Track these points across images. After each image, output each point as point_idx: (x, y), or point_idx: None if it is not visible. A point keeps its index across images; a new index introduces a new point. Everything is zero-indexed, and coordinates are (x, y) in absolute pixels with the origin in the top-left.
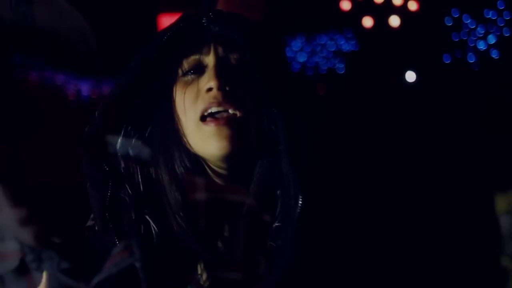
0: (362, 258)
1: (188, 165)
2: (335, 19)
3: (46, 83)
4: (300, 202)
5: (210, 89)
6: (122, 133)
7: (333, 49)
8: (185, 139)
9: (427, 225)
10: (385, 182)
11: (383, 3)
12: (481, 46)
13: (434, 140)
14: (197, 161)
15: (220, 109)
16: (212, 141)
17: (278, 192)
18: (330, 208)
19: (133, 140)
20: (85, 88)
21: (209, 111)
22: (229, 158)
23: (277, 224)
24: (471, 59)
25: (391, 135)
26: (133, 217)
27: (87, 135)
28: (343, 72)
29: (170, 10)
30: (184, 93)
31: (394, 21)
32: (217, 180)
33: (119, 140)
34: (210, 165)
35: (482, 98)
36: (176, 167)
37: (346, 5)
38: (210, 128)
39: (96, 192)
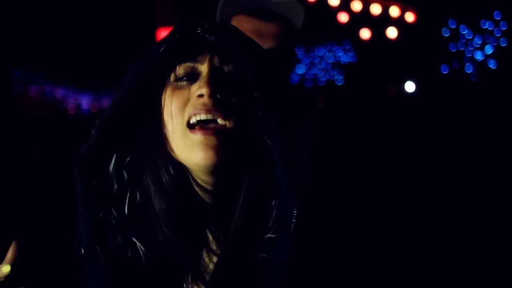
0: (358, 267)
1: (172, 173)
2: (333, 31)
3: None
4: (295, 213)
5: (201, 96)
6: (116, 153)
7: (331, 61)
8: (170, 147)
9: (428, 237)
10: (382, 191)
11: (380, 15)
12: (479, 56)
13: (434, 148)
14: (181, 171)
15: (209, 117)
16: (197, 150)
17: (273, 202)
18: (326, 218)
19: (126, 160)
20: (84, 102)
21: (198, 117)
22: (214, 170)
23: (270, 235)
24: (469, 69)
25: (390, 143)
26: (120, 240)
27: (82, 155)
28: (341, 83)
29: (168, 24)
30: (174, 97)
31: (392, 32)
32: (201, 191)
33: (113, 161)
34: (195, 176)
35: (480, 107)
36: (161, 175)
37: (343, 17)
38: (197, 137)
39: (86, 214)
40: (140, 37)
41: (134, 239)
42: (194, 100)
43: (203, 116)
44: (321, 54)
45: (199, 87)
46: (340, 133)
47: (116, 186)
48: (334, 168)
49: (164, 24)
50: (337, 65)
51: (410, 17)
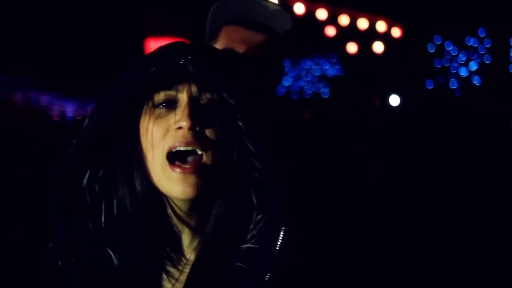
0: (342, 281)
1: (148, 190)
2: (320, 45)
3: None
4: (283, 229)
5: (180, 128)
6: (90, 169)
7: (318, 74)
8: (150, 174)
9: (412, 250)
10: (370, 206)
11: (367, 29)
12: (463, 72)
13: (418, 161)
14: (156, 190)
15: (188, 148)
16: (176, 186)
17: (254, 216)
18: (313, 232)
19: (99, 174)
20: (69, 109)
21: (177, 149)
22: (191, 200)
23: (250, 245)
24: (453, 85)
25: (376, 157)
26: (95, 251)
27: (58, 173)
28: (327, 96)
29: (157, 34)
30: (154, 127)
31: (378, 47)
32: (176, 208)
33: (87, 176)
34: (170, 198)
35: (463, 123)
36: (137, 191)
37: (331, 31)
38: (176, 174)
39: (62, 227)
40: (127, 46)
41: (109, 251)
42: (173, 131)
43: (182, 148)
44: (307, 67)
45: (179, 120)
46: (328, 147)
47: (88, 199)
48: (322, 183)
49: (152, 35)
50: (323, 78)
51: (396, 32)
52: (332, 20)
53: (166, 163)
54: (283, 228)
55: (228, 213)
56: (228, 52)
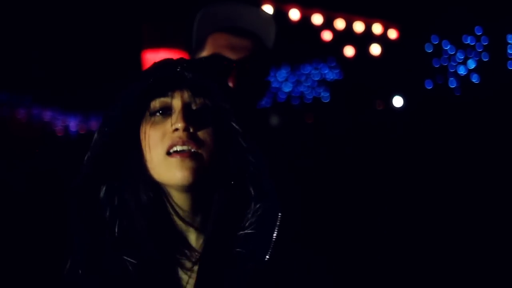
0: (338, 269)
1: (151, 194)
2: (317, 49)
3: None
4: (279, 216)
5: (176, 130)
6: (107, 181)
7: (317, 78)
8: (149, 172)
9: (412, 245)
10: (373, 206)
11: (363, 32)
12: (462, 71)
13: (420, 162)
14: (158, 192)
15: (184, 148)
16: (176, 171)
17: (252, 205)
18: (313, 227)
19: (115, 185)
20: (72, 124)
21: (175, 148)
22: (189, 188)
23: (247, 231)
24: (452, 84)
25: (378, 159)
26: (113, 259)
27: (75, 187)
28: (328, 100)
29: (153, 46)
30: (151, 132)
31: (375, 49)
32: (177, 207)
33: (104, 188)
34: (171, 196)
35: (464, 121)
36: (140, 196)
37: (327, 36)
38: (175, 159)
39: (81, 238)
40: (126, 59)
41: (125, 257)
42: (170, 133)
43: (179, 148)
44: (306, 72)
45: (174, 123)
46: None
47: (108, 212)
48: (324, 186)
49: (149, 47)
50: (323, 82)
51: (393, 34)
52: (328, 24)
53: (165, 156)
54: (279, 214)
55: (227, 208)
56: (216, 57)
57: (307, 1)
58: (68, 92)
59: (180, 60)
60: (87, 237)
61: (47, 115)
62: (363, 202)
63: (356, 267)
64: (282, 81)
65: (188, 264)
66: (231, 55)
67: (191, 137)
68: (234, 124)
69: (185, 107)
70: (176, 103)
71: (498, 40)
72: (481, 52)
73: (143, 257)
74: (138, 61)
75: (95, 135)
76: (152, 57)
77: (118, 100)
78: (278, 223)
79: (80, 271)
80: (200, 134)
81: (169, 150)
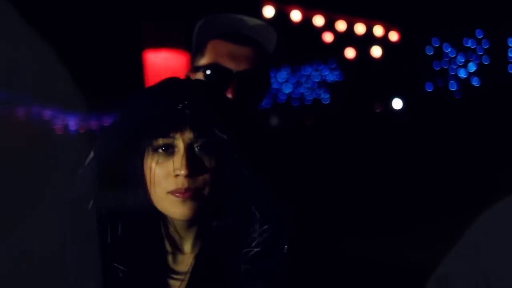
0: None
1: (149, 210)
2: (318, 51)
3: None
4: (288, 238)
5: (178, 175)
6: (97, 195)
7: (317, 80)
8: (152, 198)
9: (412, 245)
10: (372, 207)
11: (364, 34)
12: (462, 74)
13: (419, 163)
14: (156, 212)
15: (186, 190)
16: (177, 209)
17: (258, 227)
18: (318, 236)
19: (104, 199)
20: (72, 123)
21: (177, 193)
22: (191, 220)
23: (256, 250)
24: (453, 87)
25: (377, 160)
26: (104, 267)
27: (69, 202)
28: (328, 102)
29: (155, 46)
30: (156, 169)
31: (376, 51)
32: (176, 226)
33: (92, 202)
34: (170, 219)
35: (464, 124)
36: (140, 209)
37: (328, 37)
38: (176, 200)
39: (75, 247)
40: (127, 59)
41: (115, 265)
42: (172, 177)
43: (182, 191)
44: (307, 73)
45: (177, 169)
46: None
47: (96, 223)
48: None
49: (150, 47)
50: (323, 83)
51: (393, 36)
52: (329, 26)
53: (168, 194)
54: (289, 237)
55: (226, 224)
56: (216, 67)
57: (309, 2)
58: (68, 91)
59: (180, 92)
60: (79, 245)
61: (47, 113)
62: (363, 202)
63: (361, 273)
64: (283, 82)
65: (180, 277)
66: (231, 64)
67: (193, 183)
68: (235, 155)
69: (188, 149)
70: (179, 144)
71: (499, 43)
72: (481, 55)
73: (134, 265)
74: (139, 60)
75: (91, 155)
76: (153, 57)
77: (116, 125)
78: (287, 245)
79: (73, 278)
80: (202, 177)
81: (171, 191)
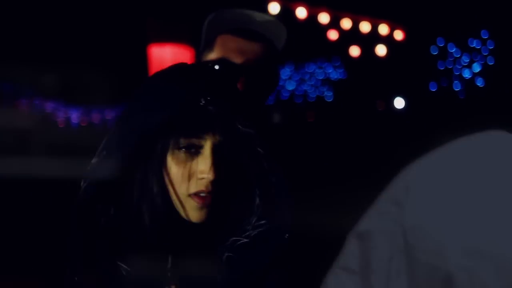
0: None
1: (166, 209)
2: (323, 48)
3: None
4: (287, 236)
5: (203, 178)
6: (107, 193)
7: (321, 77)
8: (171, 203)
9: None
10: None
11: (369, 32)
12: (466, 74)
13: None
14: (173, 211)
15: (206, 194)
16: (194, 212)
17: (251, 219)
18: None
19: (112, 196)
20: (74, 116)
21: (200, 194)
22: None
23: (243, 240)
24: (457, 87)
25: (379, 158)
26: (107, 265)
27: (80, 199)
28: (331, 100)
29: (159, 40)
30: (178, 169)
31: (381, 50)
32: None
33: (101, 199)
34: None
35: (468, 125)
36: (157, 208)
37: (333, 35)
38: (195, 204)
39: (79, 247)
40: (131, 53)
41: (118, 263)
42: (196, 179)
43: (203, 194)
44: (311, 71)
45: (202, 171)
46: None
47: (103, 220)
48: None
49: (155, 42)
50: (327, 81)
51: (399, 35)
52: (334, 24)
53: (187, 197)
54: (287, 235)
55: (226, 215)
56: (224, 62)
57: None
58: (71, 84)
59: (201, 86)
60: (83, 244)
61: (49, 106)
62: (364, 201)
63: None
64: (286, 79)
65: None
66: (240, 59)
67: (217, 185)
68: (259, 149)
69: (214, 151)
70: (204, 145)
71: (504, 44)
72: (486, 55)
73: (137, 264)
74: (143, 55)
75: (104, 153)
76: (158, 51)
77: (131, 119)
78: (282, 242)
79: (76, 278)
80: (225, 180)
81: (193, 192)
